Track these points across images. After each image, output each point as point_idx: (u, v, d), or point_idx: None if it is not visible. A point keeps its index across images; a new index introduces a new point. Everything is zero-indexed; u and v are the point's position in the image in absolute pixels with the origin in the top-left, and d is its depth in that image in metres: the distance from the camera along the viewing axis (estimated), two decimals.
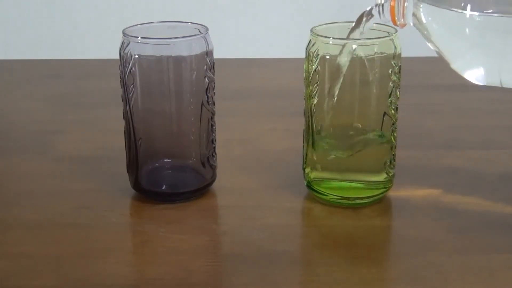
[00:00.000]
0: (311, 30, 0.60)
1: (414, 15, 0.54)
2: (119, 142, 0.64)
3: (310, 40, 0.59)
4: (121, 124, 0.63)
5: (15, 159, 0.72)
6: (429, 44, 0.55)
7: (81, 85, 0.94)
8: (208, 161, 0.63)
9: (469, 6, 0.51)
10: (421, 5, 0.53)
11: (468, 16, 0.51)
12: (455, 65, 0.54)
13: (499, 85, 0.52)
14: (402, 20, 0.56)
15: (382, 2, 0.56)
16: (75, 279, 0.52)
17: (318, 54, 0.59)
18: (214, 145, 0.63)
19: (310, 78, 0.60)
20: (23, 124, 0.81)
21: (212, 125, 0.63)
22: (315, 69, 0.59)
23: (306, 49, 0.60)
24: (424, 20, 0.54)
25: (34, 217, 0.61)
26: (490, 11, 0.51)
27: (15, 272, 0.53)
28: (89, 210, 0.62)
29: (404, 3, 0.55)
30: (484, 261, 0.54)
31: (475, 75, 0.53)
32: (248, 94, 0.91)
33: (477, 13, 0.50)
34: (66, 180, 0.67)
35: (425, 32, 0.54)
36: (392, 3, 0.55)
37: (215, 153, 0.64)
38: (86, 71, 1.00)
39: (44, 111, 0.85)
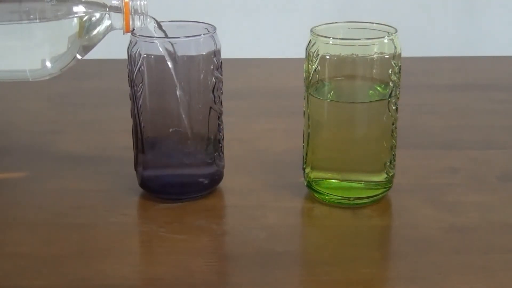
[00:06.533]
0: (311, 30, 0.60)
1: None
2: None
3: (310, 40, 0.59)
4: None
5: (15, 159, 0.72)
6: None
7: (81, 85, 0.94)
8: (215, 161, 0.63)
9: None
10: None
11: None
12: None
13: None
14: None
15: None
16: (75, 279, 0.52)
17: (318, 54, 0.59)
18: (221, 145, 0.63)
19: (310, 78, 0.60)
20: (23, 124, 0.81)
21: (219, 125, 0.63)
22: (315, 69, 0.59)
23: (306, 49, 0.60)
24: None
25: (34, 217, 0.61)
26: None
27: (15, 272, 0.53)
28: (89, 210, 0.62)
29: None
30: (484, 261, 0.54)
31: None
32: (248, 94, 0.91)
33: None
34: (66, 180, 0.67)
35: None
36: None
37: (222, 153, 0.64)
38: (86, 71, 1.00)
39: (44, 111, 0.85)
